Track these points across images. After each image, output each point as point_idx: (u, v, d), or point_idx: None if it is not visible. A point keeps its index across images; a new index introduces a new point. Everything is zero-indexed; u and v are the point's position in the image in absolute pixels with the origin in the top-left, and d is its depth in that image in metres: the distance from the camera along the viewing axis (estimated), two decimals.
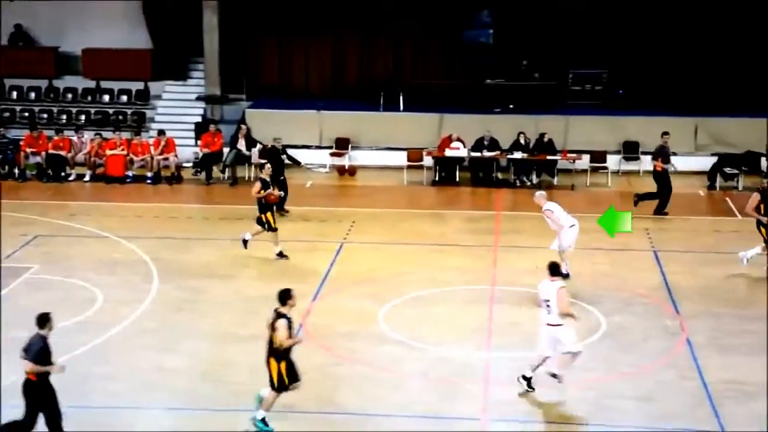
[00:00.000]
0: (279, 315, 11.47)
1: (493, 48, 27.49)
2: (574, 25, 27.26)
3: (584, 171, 24.79)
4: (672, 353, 14.12)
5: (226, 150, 25.05)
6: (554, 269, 12.68)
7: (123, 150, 24.74)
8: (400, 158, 25.55)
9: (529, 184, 24.54)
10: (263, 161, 21.40)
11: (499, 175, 24.87)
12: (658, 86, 26.80)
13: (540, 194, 16.84)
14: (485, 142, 24.68)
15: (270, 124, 26.28)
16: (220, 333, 14.86)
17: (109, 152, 24.70)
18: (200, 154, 25.05)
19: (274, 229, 18.03)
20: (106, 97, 28.07)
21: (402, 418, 12.30)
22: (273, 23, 27.99)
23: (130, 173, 24.66)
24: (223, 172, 24.95)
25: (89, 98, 28.11)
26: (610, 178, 24.77)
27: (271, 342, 11.48)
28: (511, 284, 16.96)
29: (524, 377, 12.68)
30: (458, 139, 24.79)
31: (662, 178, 21.59)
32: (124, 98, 28.04)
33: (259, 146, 24.48)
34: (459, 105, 26.93)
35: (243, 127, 25.39)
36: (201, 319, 15.53)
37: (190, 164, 25.55)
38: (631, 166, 25.50)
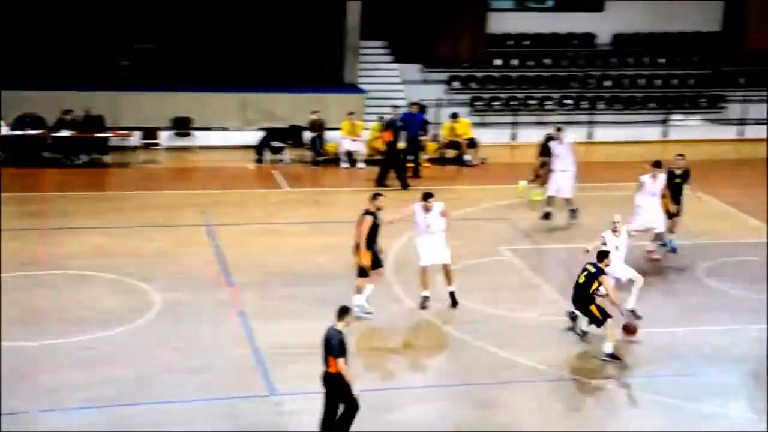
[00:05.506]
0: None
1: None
2: None
3: (137, 148, 24.51)
4: (225, 324, 14.48)
5: None
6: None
7: None
8: None
9: (79, 162, 23.76)
10: None
11: (47, 154, 23.76)
12: (208, 61, 27.19)
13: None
14: (28, 120, 23.38)
15: None
16: None
17: None
18: None
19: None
20: None
21: None
22: None
23: None
24: None
25: None
26: (163, 155, 24.74)
27: None
28: (61, 267, 16.34)
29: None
30: None
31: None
32: None
33: None
34: None
35: None
36: None
37: None
38: (183, 141, 25.67)
